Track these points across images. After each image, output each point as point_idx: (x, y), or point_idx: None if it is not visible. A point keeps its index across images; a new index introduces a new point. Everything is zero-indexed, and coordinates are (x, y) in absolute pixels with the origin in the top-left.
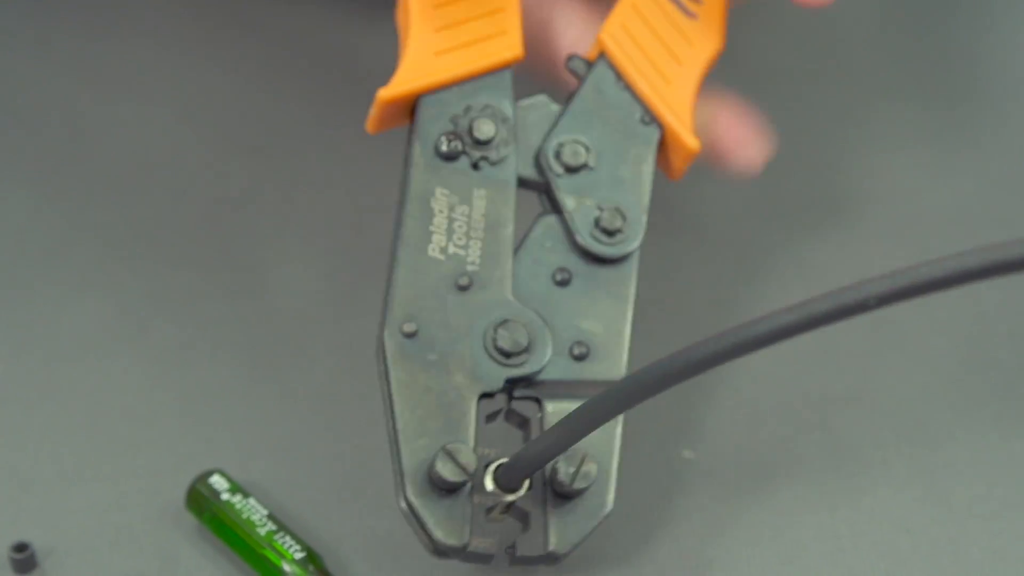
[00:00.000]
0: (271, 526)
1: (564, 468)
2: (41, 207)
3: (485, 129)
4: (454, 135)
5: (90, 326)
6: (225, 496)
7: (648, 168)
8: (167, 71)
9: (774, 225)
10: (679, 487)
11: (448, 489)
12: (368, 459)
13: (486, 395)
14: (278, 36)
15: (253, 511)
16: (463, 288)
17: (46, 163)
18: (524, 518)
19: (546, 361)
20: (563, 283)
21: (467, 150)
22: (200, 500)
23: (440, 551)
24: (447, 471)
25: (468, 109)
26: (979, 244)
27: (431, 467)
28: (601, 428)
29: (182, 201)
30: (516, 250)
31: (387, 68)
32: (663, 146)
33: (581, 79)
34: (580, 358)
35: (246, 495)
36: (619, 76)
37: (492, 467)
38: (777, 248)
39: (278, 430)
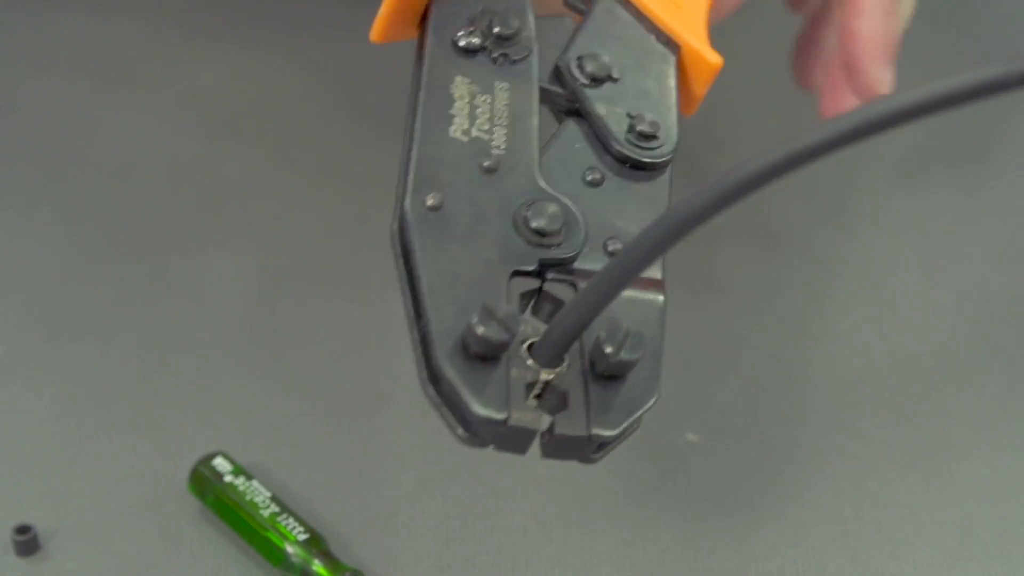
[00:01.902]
0: (274, 508)
1: (608, 339)
2: (43, 189)
3: (507, 25)
4: (473, 30)
5: (92, 308)
6: (228, 478)
7: (672, 83)
8: (162, 59)
9: (777, 211)
10: (683, 470)
11: (484, 356)
12: (371, 441)
13: (518, 273)
14: (282, 25)
15: (256, 493)
16: (489, 170)
17: (47, 147)
18: (563, 399)
19: (581, 246)
20: (595, 183)
21: (487, 45)
22: (203, 482)
23: (475, 430)
24: (489, 329)
25: (486, 11)
26: (979, 227)
27: (467, 329)
28: (645, 308)
29: (183, 184)
30: (543, 148)
31: (390, 54)
32: (681, 68)
33: (587, 9)
34: (615, 254)
35: (249, 477)
36: (626, 2)
37: (527, 342)
38: (780, 234)
39: (281, 412)
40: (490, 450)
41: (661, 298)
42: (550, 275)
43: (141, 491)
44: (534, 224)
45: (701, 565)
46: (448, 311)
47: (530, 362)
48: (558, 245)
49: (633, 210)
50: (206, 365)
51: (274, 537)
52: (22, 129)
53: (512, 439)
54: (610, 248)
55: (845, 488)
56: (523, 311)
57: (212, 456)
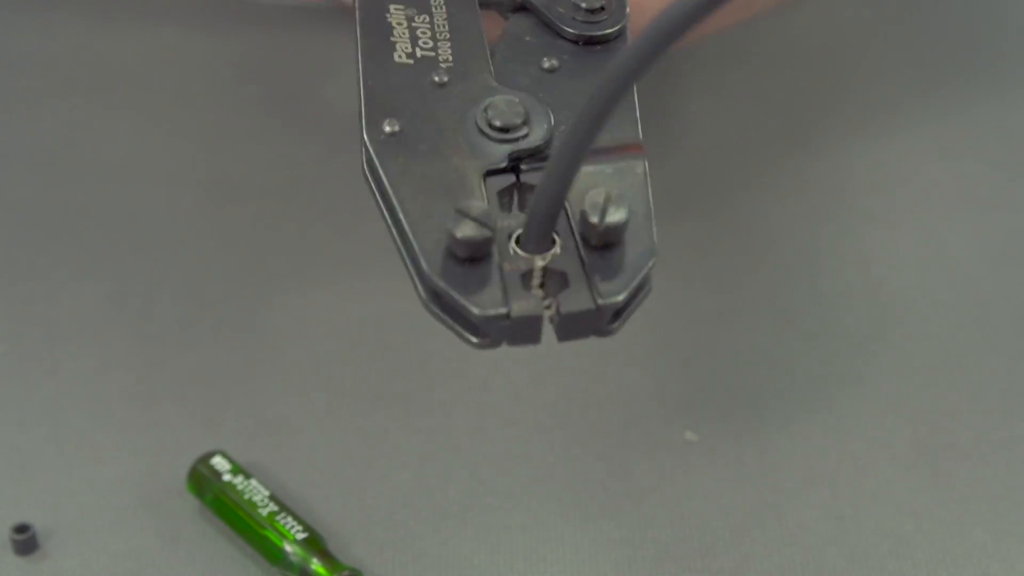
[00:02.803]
0: (273, 507)
1: (590, 208)
2: (42, 189)
3: None
4: None
5: (91, 307)
6: (227, 477)
7: None
8: (168, 65)
9: (775, 206)
10: (682, 468)
11: (472, 258)
12: (370, 440)
13: (492, 173)
14: (280, 26)
15: (255, 492)
16: (441, 85)
17: (46, 147)
18: (563, 279)
19: (548, 131)
20: (552, 70)
21: None
22: (202, 481)
23: (481, 331)
24: (466, 229)
25: None
26: (979, 224)
27: (449, 238)
28: (627, 175)
29: (181, 184)
30: (492, 52)
31: None
32: None
33: None
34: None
35: (248, 476)
36: None
37: (514, 235)
38: (777, 230)
39: (280, 411)
40: (488, 450)
41: (641, 161)
42: (524, 167)
43: (140, 490)
44: (497, 122)
45: (700, 563)
46: (428, 225)
47: (520, 252)
48: (525, 136)
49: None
50: (204, 364)
51: (272, 536)
52: (21, 129)
53: (521, 331)
54: None
55: (844, 486)
56: (507, 208)
57: (211, 455)
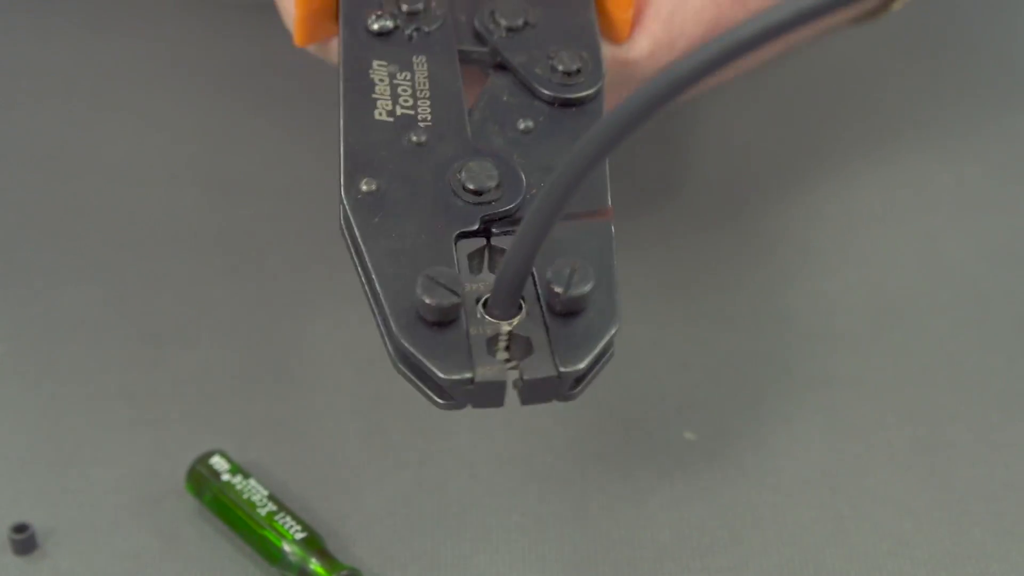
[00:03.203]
0: (271, 507)
1: (555, 277)
2: (41, 190)
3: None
4: (382, 13)
5: (90, 307)
6: (225, 477)
7: (592, 16)
8: (167, 67)
9: (774, 208)
10: (681, 469)
11: (440, 323)
12: (369, 441)
13: (463, 236)
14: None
15: (253, 492)
16: (420, 144)
17: (47, 148)
18: (527, 345)
19: (522, 196)
20: (528, 131)
21: (399, 24)
22: (200, 481)
23: (447, 393)
24: (434, 295)
25: None
26: (978, 225)
27: (417, 302)
28: (594, 239)
29: (181, 186)
30: (470, 111)
31: None
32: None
33: None
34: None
35: (246, 476)
36: None
37: (482, 300)
38: (776, 231)
39: (278, 411)
40: (487, 451)
41: (610, 226)
42: (495, 230)
43: (138, 489)
44: (470, 185)
45: (699, 563)
46: (399, 287)
47: (487, 317)
48: (498, 200)
49: (570, 148)
50: (203, 364)
51: (271, 536)
52: (21, 130)
53: (485, 395)
54: None
55: (843, 486)
56: (477, 270)
57: (209, 455)
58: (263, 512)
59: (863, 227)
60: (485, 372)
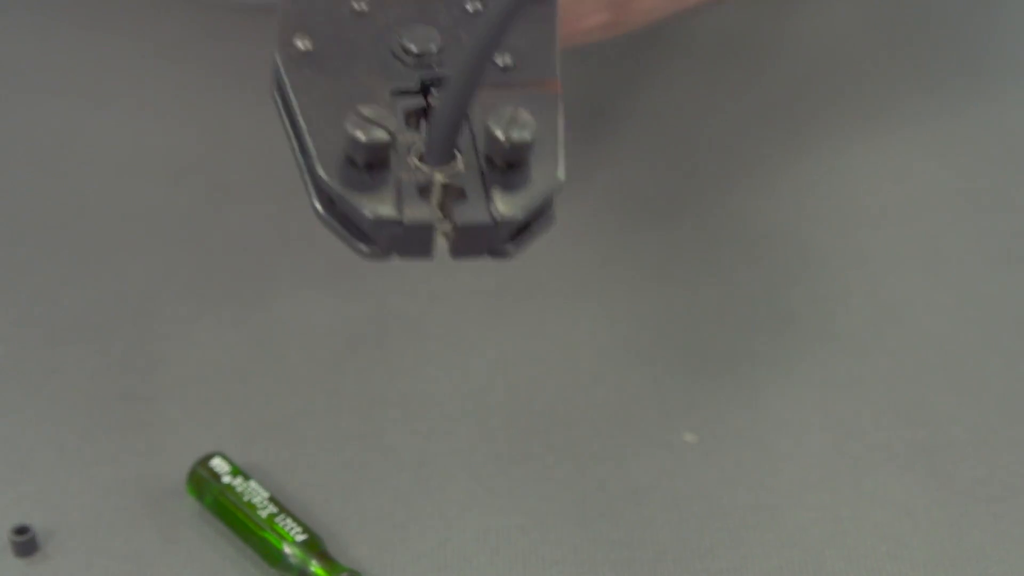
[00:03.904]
0: (272, 509)
1: (497, 122)
2: (41, 190)
3: None
4: None
5: (91, 308)
6: (226, 479)
7: None
8: (168, 66)
9: (774, 208)
10: (681, 470)
11: (370, 164)
12: (369, 442)
13: (401, 93)
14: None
15: (254, 494)
16: (360, 13)
17: (47, 148)
18: (461, 194)
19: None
20: (476, 13)
21: None
22: (201, 483)
23: (373, 236)
24: (364, 131)
25: None
26: (978, 224)
27: (346, 139)
28: (540, 101)
29: (181, 186)
30: None
31: None
32: None
33: None
34: (506, 69)
35: (247, 478)
36: None
37: (416, 150)
38: (776, 231)
39: (279, 413)
40: (487, 452)
41: (557, 95)
42: (434, 92)
43: (139, 492)
44: (411, 47)
45: (699, 565)
46: (329, 134)
47: (421, 166)
48: (439, 64)
49: (522, 31)
50: (204, 366)
51: (272, 538)
52: (21, 130)
53: (412, 241)
54: (500, 63)
55: (842, 488)
56: (414, 127)
57: (210, 457)
58: (263, 514)
59: (863, 228)
60: (414, 213)
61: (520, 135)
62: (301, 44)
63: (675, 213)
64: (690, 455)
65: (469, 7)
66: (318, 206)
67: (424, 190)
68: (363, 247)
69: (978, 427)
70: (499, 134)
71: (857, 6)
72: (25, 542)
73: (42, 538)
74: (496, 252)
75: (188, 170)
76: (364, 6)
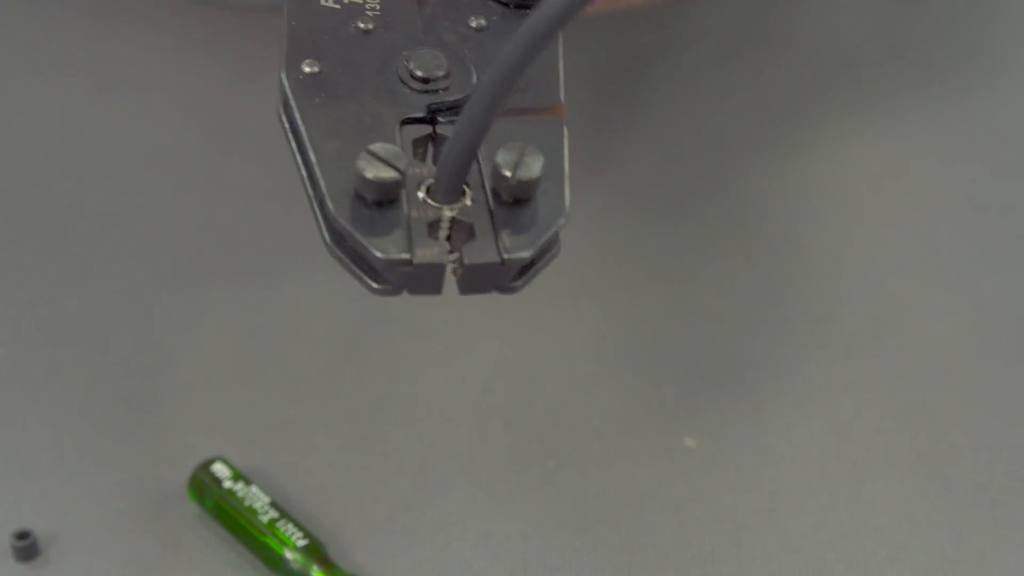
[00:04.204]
0: (273, 514)
1: (503, 162)
2: (41, 192)
3: None
4: None
5: (91, 311)
6: (227, 484)
7: None
8: (168, 68)
9: (773, 211)
10: (681, 475)
11: (380, 202)
12: (370, 447)
13: (408, 122)
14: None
15: (255, 499)
16: (366, 32)
17: (48, 150)
18: (469, 231)
19: (469, 87)
20: (480, 29)
21: None
22: (202, 488)
23: (383, 276)
24: (375, 170)
25: None
26: (977, 227)
27: (357, 178)
28: (545, 132)
29: (184, 187)
30: (421, 2)
31: None
32: None
33: None
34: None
35: (248, 483)
36: None
37: (424, 185)
38: (775, 234)
39: (280, 418)
40: (488, 456)
41: (561, 123)
42: (442, 119)
43: (140, 496)
44: (418, 72)
45: (699, 570)
46: (338, 167)
47: (429, 202)
48: (446, 89)
49: None
50: (205, 369)
51: (273, 543)
52: (21, 132)
53: (423, 279)
54: None
55: (842, 493)
56: (422, 159)
57: (211, 461)
58: (265, 519)
59: (863, 231)
60: (424, 254)
61: (527, 174)
62: (308, 68)
63: (674, 216)
64: (690, 460)
65: (473, 23)
66: (328, 239)
67: (433, 226)
68: (374, 284)
69: (978, 431)
70: (507, 173)
71: (860, 9)
72: (26, 547)
73: (43, 542)
74: (503, 289)
75: (189, 172)
76: (369, 25)
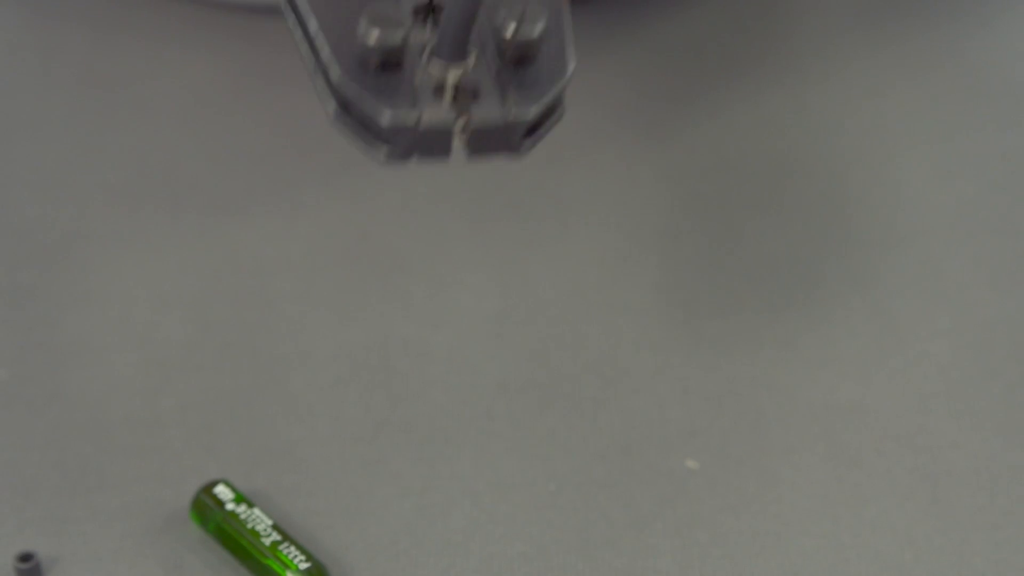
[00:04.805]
0: (276, 536)
1: (505, 20)
2: (45, 209)
3: None
4: None
5: (93, 333)
6: (230, 506)
7: None
8: (171, 85)
9: (775, 232)
10: (682, 497)
11: (384, 65)
12: (373, 469)
13: None
14: (284, 43)
15: (258, 521)
16: None
17: (49, 169)
18: (475, 93)
19: None
20: None
21: None
22: (205, 510)
23: (390, 140)
24: (377, 32)
25: None
26: (979, 249)
27: (361, 41)
28: None
29: (184, 209)
30: None
31: None
32: None
33: None
34: None
35: (251, 505)
36: None
37: (428, 48)
38: (778, 256)
39: (283, 440)
40: (490, 478)
41: None
42: None
43: (143, 519)
44: None
45: None
46: (340, 35)
47: (434, 64)
48: None
49: None
50: (207, 391)
51: (275, 566)
52: (23, 151)
53: (430, 144)
54: None
55: (844, 515)
56: (423, 25)
57: (214, 484)
58: (267, 542)
59: (864, 252)
60: (431, 116)
61: (531, 32)
62: None
63: (676, 236)
64: (692, 482)
65: None
66: (333, 110)
67: (439, 89)
68: (381, 151)
69: (979, 454)
70: (509, 32)
71: (862, 30)
72: (29, 569)
73: (46, 565)
74: (512, 149)
75: (191, 192)
76: None
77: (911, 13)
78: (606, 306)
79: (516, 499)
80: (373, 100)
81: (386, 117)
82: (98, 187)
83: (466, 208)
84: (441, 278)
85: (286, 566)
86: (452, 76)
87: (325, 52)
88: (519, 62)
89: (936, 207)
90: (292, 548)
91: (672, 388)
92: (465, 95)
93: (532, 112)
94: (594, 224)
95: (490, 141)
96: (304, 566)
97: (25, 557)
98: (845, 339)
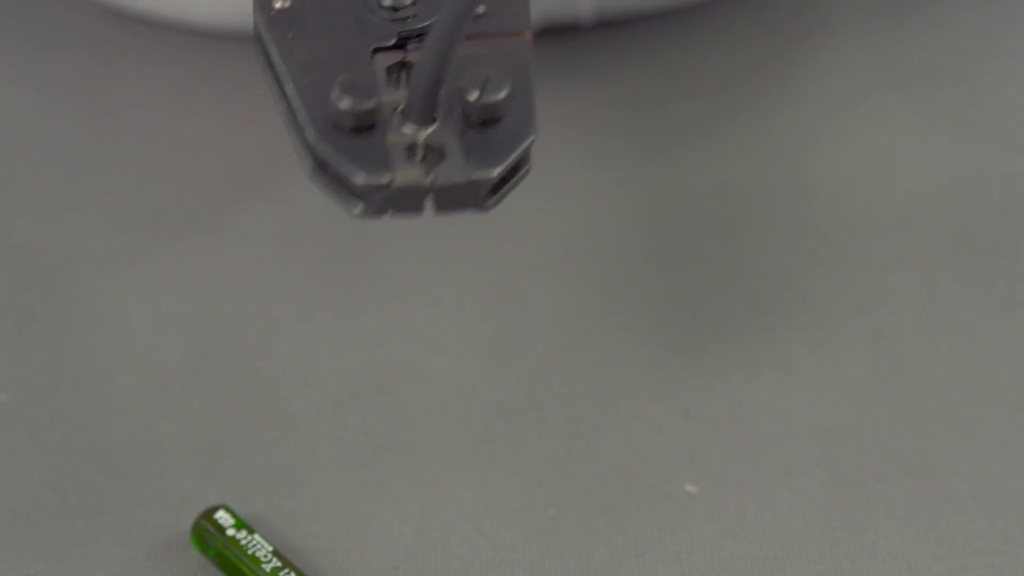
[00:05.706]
0: (276, 562)
1: (470, 84)
2: (45, 231)
3: None
4: None
5: (93, 356)
6: (231, 532)
7: None
8: (170, 110)
9: (774, 253)
10: (682, 521)
11: (357, 129)
12: (373, 494)
13: (380, 50)
14: None
15: (259, 547)
16: None
17: (49, 192)
18: (442, 153)
19: (437, 13)
20: None
21: None
22: (205, 535)
23: (364, 195)
24: (351, 99)
25: None
26: (979, 271)
27: (334, 108)
28: (512, 55)
29: (184, 231)
30: None
31: None
32: None
33: None
34: (478, 16)
35: (251, 531)
36: None
37: (399, 109)
38: (776, 277)
39: (284, 465)
40: (490, 503)
41: (528, 44)
42: (411, 47)
43: (143, 544)
44: (386, 2)
45: None
46: (316, 97)
47: (404, 125)
48: (414, 16)
49: None
50: (208, 415)
51: None
52: (22, 174)
53: (403, 201)
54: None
55: (843, 541)
56: (395, 85)
57: (214, 509)
58: (268, 568)
59: (864, 275)
60: (404, 176)
61: (494, 97)
62: (279, 3)
63: (676, 259)
64: (691, 506)
65: None
66: (309, 167)
67: (410, 149)
68: (358, 210)
69: (978, 478)
70: (472, 96)
71: (868, 50)
72: None
73: None
74: (478, 206)
75: (189, 215)
76: None
77: (911, 35)
78: (605, 329)
79: (516, 524)
80: (347, 162)
81: (360, 179)
82: (98, 210)
83: (465, 231)
84: (440, 301)
85: None
86: (422, 136)
87: (301, 114)
88: (484, 124)
89: (936, 229)
90: (292, 574)
91: (671, 412)
92: (434, 156)
93: (495, 173)
94: (593, 247)
95: (456, 198)
96: None
97: None
98: (845, 362)
